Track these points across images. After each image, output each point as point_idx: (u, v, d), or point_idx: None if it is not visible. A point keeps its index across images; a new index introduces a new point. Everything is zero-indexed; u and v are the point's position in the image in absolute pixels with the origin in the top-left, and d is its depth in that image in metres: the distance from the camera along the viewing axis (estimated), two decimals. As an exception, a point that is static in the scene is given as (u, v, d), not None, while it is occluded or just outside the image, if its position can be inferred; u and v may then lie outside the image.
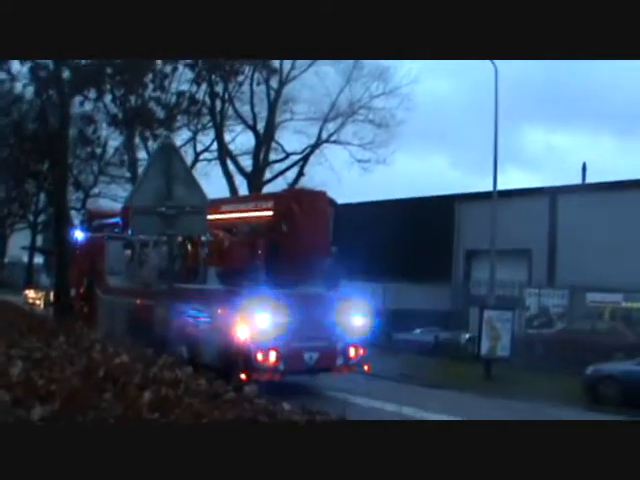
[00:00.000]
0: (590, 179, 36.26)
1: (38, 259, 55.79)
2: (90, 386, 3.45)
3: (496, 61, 23.21)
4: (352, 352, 15.14)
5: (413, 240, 34.26)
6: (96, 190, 46.29)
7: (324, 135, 38.83)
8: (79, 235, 21.74)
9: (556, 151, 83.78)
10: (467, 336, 26.35)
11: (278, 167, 39.68)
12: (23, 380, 3.41)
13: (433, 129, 76.75)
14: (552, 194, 32.66)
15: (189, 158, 36.05)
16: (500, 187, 25.87)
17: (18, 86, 29.14)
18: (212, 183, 36.77)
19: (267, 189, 36.65)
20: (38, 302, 36.71)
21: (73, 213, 37.49)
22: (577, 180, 36.70)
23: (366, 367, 15.37)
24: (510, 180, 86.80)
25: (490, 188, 25.53)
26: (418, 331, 28.19)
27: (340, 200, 16.97)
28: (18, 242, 56.35)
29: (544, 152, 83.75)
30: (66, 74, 25.03)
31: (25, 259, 56.93)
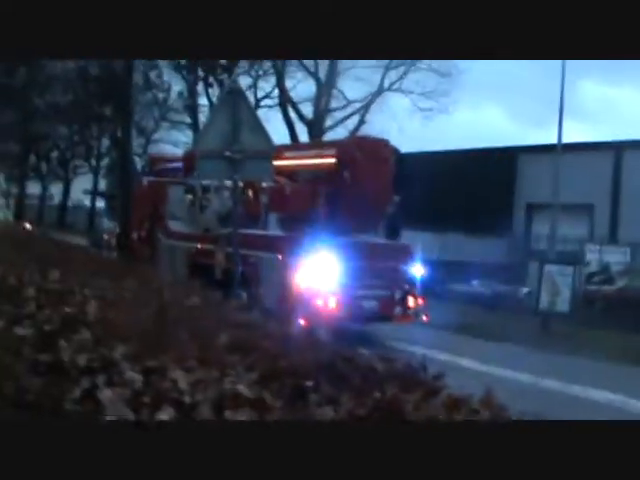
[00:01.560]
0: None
1: (99, 203, 56.62)
2: (165, 327, 3.49)
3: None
4: (411, 302, 15.12)
5: (473, 191, 33.85)
6: (157, 136, 46.63)
7: (386, 83, 38.38)
8: (141, 180, 21.96)
9: (616, 105, 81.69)
10: (526, 290, 26.14)
11: (339, 115, 39.40)
12: (100, 319, 3.47)
13: (492, 79, 75.32)
14: (617, 149, 31.85)
15: (249, 104, 35.93)
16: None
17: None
18: (272, 130, 36.52)
19: (328, 137, 36.44)
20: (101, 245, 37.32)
21: (135, 158, 37.89)
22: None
23: (424, 317, 15.35)
24: (567, 133, 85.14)
25: (550, 140, 24.99)
26: (475, 283, 28.07)
27: (401, 149, 16.76)
28: (80, 186, 57.22)
29: (602, 105, 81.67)
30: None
31: (87, 203, 57.78)
